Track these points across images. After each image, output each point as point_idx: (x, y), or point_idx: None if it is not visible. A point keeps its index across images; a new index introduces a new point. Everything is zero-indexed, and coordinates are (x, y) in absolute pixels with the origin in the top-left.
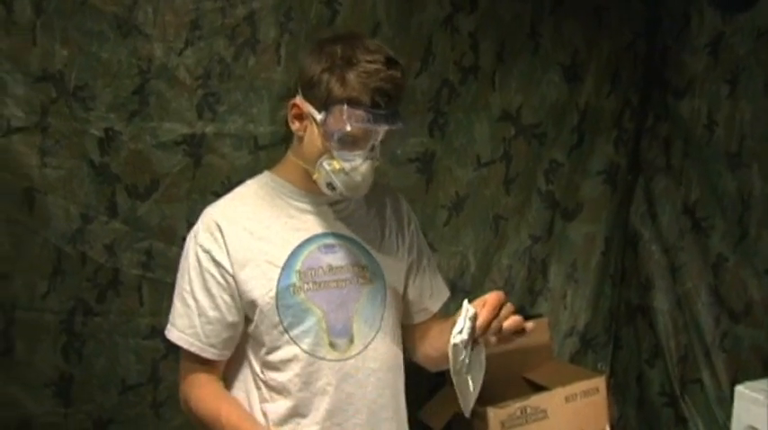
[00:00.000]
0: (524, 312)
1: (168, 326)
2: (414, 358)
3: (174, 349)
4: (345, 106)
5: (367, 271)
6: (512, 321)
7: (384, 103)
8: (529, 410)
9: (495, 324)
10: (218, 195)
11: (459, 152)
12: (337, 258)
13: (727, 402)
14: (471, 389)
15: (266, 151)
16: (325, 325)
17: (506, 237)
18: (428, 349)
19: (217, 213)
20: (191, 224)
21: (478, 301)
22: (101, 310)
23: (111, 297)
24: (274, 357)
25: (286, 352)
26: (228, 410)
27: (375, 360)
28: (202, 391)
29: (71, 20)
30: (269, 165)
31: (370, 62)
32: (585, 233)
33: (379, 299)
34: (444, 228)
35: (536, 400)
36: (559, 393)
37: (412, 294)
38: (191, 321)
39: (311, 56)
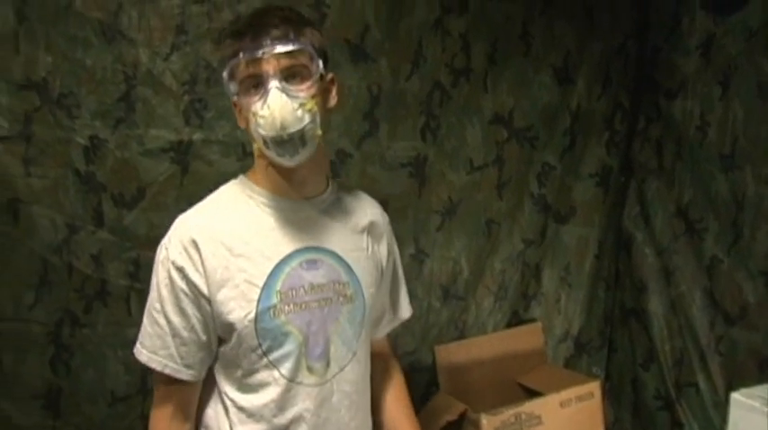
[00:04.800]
0: (518, 317)
1: (137, 345)
2: None
3: None
4: (229, 61)
5: (348, 288)
6: None
7: (253, 32)
8: (523, 416)
9: None
10: None
11: (451, 156)
12: (319, 275)
13: (722, 406)
14: None
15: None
16: (305, 348)
17: (499, 241)
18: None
19: (192, 226)
20: None
21: None
22: (88, 321)
23: (99, 308)
24: (251, 380)
25: (264, 375)
26: None
27: (350, 382)
28: None
29: (54, 26)
30: None
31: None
32: (578, 236)
33: (358, 318)
34: (437, 233)
35: (530, 406)
36: (554, 399)
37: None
38: (163, 342)
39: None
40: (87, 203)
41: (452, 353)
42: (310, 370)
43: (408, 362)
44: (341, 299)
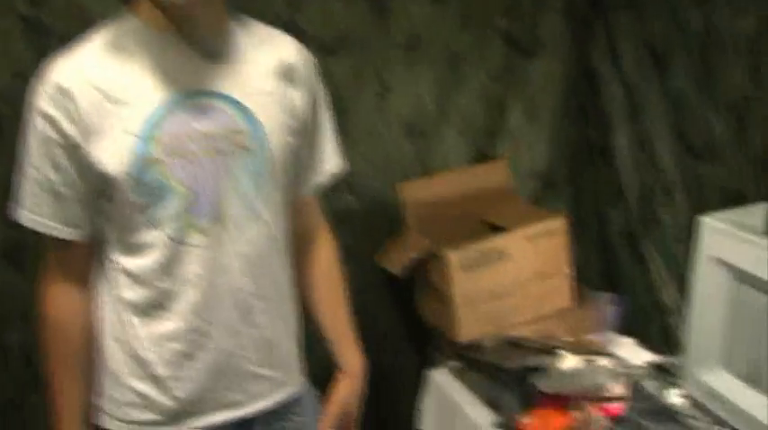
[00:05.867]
0: (483, 154)
1: (13, 204)
2: None
3: None
4: None
5: (246, 137)
6: None
7: None
8: (490, 251)
9: None
10: None
11: None
12: (209, 122)
13: (685, 240)
14: None
15: None
16: (189, 205)
17: (464, 76)
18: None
19: (63, 70)
20: None
21: None
22: None
23: None
24: (133, 239)
25: (144, 235)
26: (61, 399)
27: (249, 243)
28: (54, 333)
29: None
30: None
31: None
32: (545, 71)
33: (261, 172)
34: (399, 67)
35: (496, 241)
36: (519, 234)
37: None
38: (42, 200)
39: None
40: None
41: (417, 190)
42: (198, 229)
43: (372, 198)
44: (237, 150)
